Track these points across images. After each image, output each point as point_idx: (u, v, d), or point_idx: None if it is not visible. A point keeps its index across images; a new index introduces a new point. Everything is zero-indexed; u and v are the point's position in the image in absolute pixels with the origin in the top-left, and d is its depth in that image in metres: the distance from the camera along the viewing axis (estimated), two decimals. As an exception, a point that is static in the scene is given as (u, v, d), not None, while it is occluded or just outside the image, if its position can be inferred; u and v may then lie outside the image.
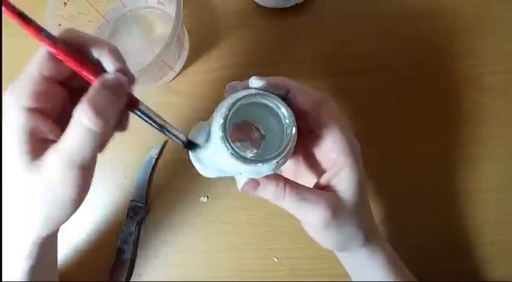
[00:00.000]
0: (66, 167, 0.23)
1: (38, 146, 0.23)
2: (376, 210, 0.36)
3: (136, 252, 0.43)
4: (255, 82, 0.29)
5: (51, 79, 0.24)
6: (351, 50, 0.47)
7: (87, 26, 0.45)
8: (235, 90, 0.29)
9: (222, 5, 0.49)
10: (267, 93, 0.27)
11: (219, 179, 0.44)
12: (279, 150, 0.26)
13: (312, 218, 0.29)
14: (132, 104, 0.24)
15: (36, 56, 0.23)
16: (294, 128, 0.26)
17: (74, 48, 0.23)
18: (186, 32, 0.48)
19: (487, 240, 0.42)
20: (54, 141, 0.23)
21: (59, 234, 0.46)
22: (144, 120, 0.25)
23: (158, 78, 0.45)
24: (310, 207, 0.29)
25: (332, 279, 0.42)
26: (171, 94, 0.47)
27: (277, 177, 0.29)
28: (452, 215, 0.43)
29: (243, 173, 0.28)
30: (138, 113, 0.25)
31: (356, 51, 0.47)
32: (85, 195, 0.25)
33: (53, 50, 0.22)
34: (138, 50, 0.47)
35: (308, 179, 0.33)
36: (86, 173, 0.23)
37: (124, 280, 0.41)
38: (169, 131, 0.26)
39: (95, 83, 0.23)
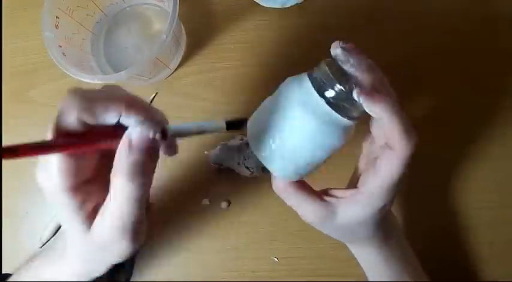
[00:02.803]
0: (116, 232, 0.23)
1: (91, 213, 0.24)
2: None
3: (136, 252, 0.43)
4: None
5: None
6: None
7: (86, 20, 0.44)
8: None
9: (222, 4, 0.49)
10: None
11: (219, 180, 0.44)
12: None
13: (306, 216, 0.31)
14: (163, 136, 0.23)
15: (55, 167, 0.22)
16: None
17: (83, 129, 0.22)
18: (183, 30, 0.47)
19: (486, 241, 0.43)
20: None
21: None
22: (182, 137, 0.25)
23: (152, 75, 0.45)
24: (305, 207, 0.30)
25: (332, 279, 0.42)
26: (170, 94, 0.47)
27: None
28: (451, 214, 0.44)
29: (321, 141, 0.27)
30: (171, 137, 0.24)
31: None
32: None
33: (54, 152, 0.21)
34: (136, 46, 0.47)
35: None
36: (136, 236, 0.24)
37: (124, 280, 0.41)
38: (208, 131, 0.25)
39: (121, 147, 0.22)
